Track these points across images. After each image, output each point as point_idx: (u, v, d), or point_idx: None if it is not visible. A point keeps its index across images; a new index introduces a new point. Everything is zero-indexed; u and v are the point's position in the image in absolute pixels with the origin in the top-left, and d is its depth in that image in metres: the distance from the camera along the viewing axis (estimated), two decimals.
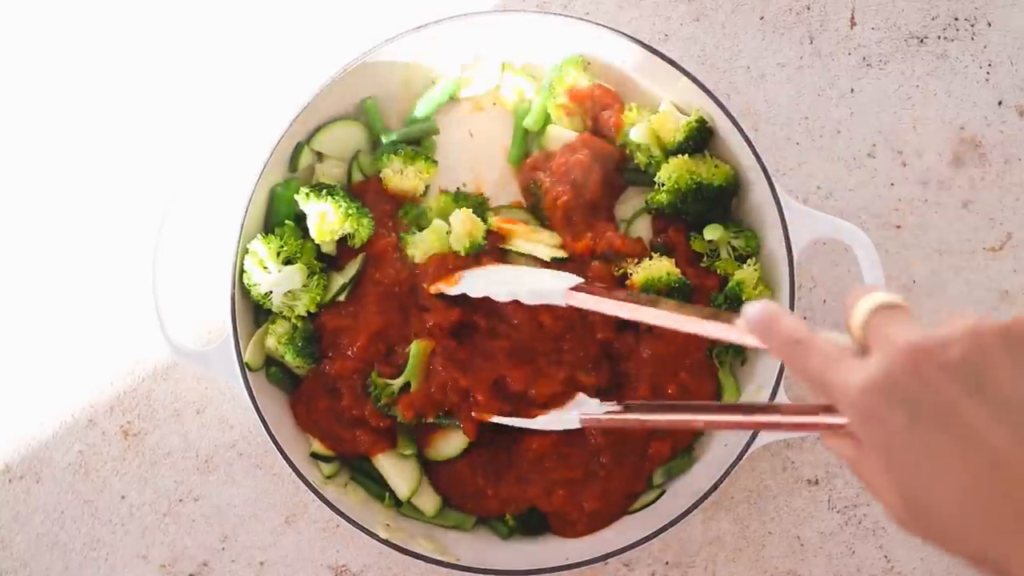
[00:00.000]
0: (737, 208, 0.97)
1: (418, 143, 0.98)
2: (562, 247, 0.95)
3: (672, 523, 0.87)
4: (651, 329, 0.92)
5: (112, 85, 1.05)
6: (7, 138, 1.05)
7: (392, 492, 0.94)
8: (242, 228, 0.90)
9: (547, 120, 0.98)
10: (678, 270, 0.91)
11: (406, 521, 0.94)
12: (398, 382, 0.91)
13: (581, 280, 0.87)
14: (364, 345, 0.91)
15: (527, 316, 0.92)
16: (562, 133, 0.97)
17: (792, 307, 0.89)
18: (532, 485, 0.93)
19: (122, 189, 1.03)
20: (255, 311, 0.95)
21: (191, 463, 1.00)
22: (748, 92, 1.03)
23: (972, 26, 1.04)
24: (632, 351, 0.93)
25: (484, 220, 0.94)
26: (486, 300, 0.90)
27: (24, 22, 1.06)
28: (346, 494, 0.93)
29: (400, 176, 0.95)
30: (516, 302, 0.89)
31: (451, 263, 0.92)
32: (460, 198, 0.97)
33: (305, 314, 0.92)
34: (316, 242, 0.92)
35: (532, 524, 0.96)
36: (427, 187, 0.99)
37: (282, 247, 0.91)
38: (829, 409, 0.57)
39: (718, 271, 0.94)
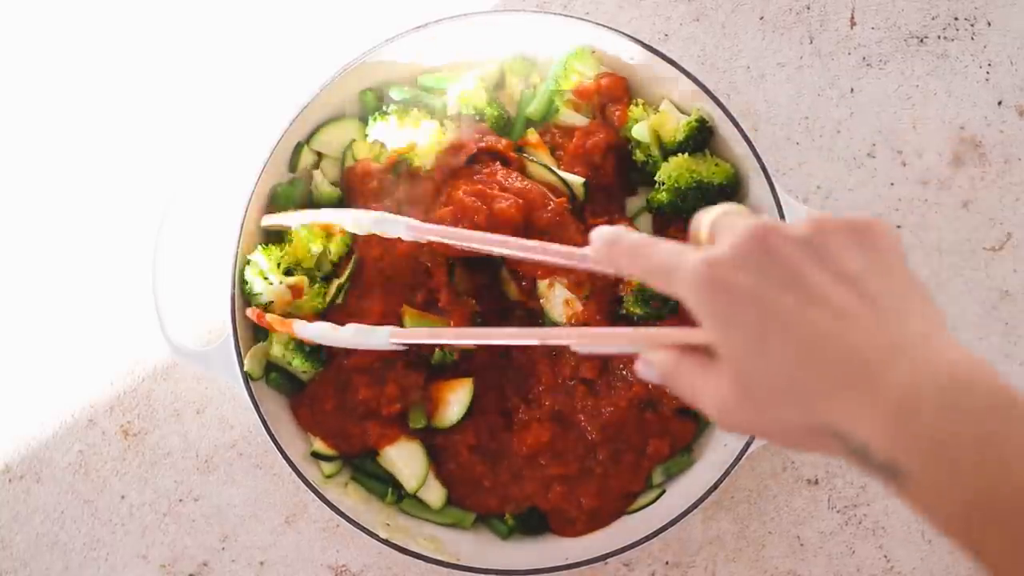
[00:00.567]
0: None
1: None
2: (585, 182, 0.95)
3: (672, 523, 0.87)
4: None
5: (112, 85, 1.05)
6: (7, 138, 1.05)
7: (394, 488, 0.94)
8: (242, 228, 0.90)
9: (551, 108, 0.98)
10: None
11: (406, 520, 0.94)
12: None
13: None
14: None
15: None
16: (575, 118, 0.97)
17: None
18: (528, 481, 0.94)
19: (122, 189, 1.03)
20: None
21: (191, 463, 1.00)
22: (748, 92, 1.03)
23: (972, 26, 1.04)
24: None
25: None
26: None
27: (24, 23, 1.06)
28: (346, 494, 0.93)
29: (395, 133, 0.94)
30: None
31: (463, 147, 0.94)
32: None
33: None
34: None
35: (532, 524, 0.96)
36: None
37: (282, 258, 0.91)
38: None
39: None
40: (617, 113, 0.96)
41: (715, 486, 0.87)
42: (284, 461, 0.88)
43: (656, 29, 1.04)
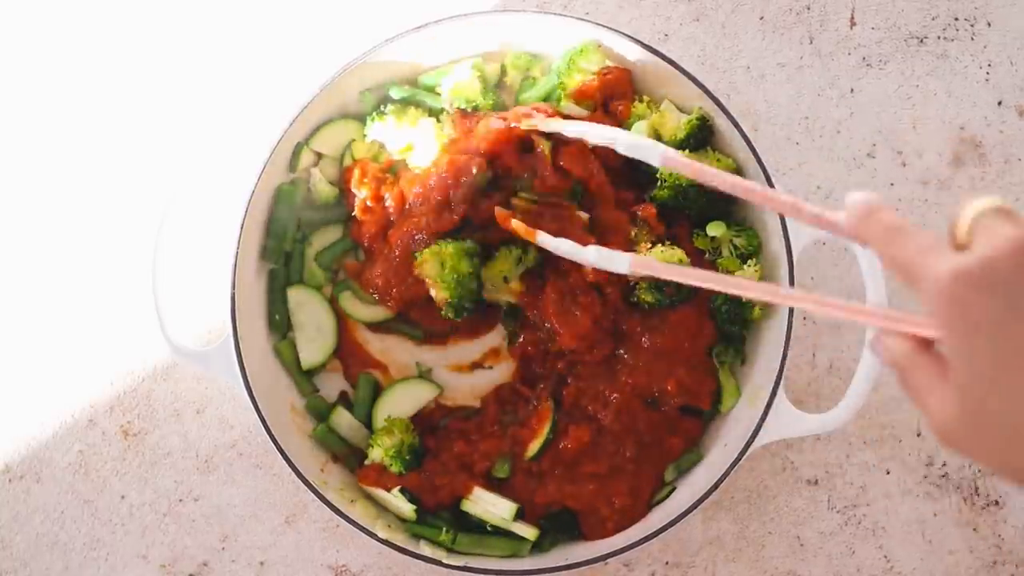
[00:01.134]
0: (739, 206, 0.97)
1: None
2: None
3: (672, 523, 0.87)
4: (662, 322, 0.93)
5: (112, 85, 1.05)
6: (7, 139, 1.05)
7: (448, 528, 0.93)
8: (242, 228, 0.90)
9: (551, 98, 0.98)
10: (688, 260, 0.91)
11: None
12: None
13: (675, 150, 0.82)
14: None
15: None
16: (575, 110, 0.96)
17: (791, 309, 0.89)
18: (565, 482, 0.93)
19: (122, 189, 1.03)
20: (255, 313, 0.95)
21: (191, 463, 1.00)
22: (748, 92, 1.03)
23: (972, 26, 1.04)
24: (634, 335, 0.93)
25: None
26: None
27: (24, 23, 1.06)
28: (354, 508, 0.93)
29: (393, 133, 0.95)
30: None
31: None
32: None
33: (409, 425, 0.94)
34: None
35: (560, 526, 0.95)
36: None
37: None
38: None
39: (720, 269, 0.94)
40: (620, 108, 0.96)
41: (715, 486, 0.87)
42: (284, 461, 0.88)
43: (656, 29, 1.04)
